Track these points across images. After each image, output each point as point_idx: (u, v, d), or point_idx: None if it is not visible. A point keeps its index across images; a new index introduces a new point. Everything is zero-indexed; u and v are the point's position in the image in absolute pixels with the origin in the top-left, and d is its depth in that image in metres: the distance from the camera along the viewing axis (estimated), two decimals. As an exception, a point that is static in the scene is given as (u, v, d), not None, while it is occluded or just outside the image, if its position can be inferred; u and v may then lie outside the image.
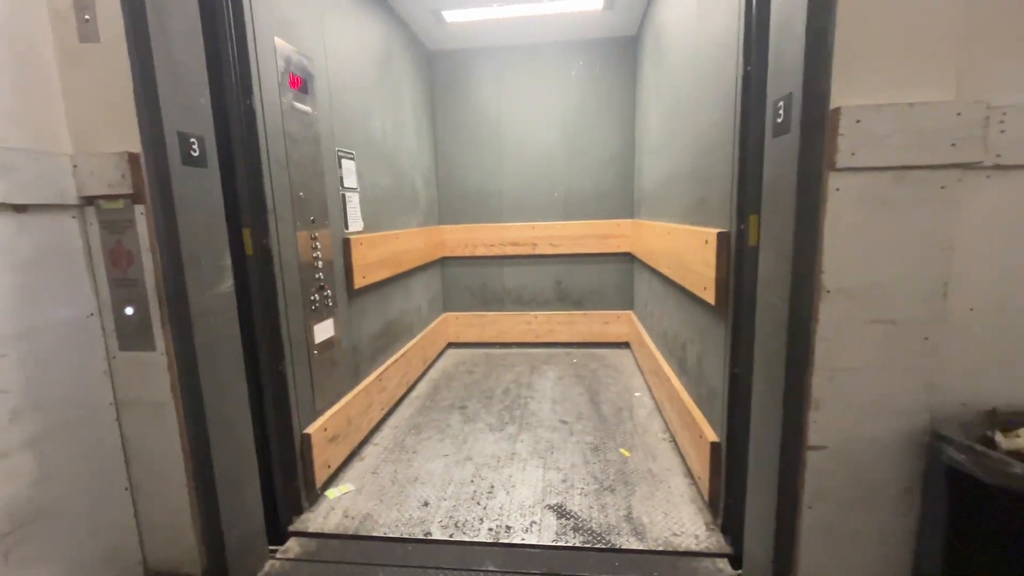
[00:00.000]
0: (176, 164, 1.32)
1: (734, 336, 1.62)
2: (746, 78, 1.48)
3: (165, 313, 1.34)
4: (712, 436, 1.81)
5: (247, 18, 1.66)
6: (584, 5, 3.14)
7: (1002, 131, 1.07)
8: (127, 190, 1.28)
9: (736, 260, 1.60)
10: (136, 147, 1.28)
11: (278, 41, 1.86)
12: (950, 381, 1.16)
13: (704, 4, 1.92)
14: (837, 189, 1.08)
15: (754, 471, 1.41)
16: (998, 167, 1.09)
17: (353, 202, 2.49)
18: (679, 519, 1.86)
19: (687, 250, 2.11)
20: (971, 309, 1.15)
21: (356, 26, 2.60)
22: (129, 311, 1.33)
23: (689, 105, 2.20)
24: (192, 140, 1.38)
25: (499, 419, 2.81)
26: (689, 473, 2.14)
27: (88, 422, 1.33)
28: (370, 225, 2.68)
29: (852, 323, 1.12)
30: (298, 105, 1.99)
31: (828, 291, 1.12)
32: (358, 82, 2.60)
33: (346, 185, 2.42)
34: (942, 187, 1.06)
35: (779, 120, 1.21)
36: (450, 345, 4.27)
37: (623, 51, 3.75)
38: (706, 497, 1.87)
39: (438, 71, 3.94)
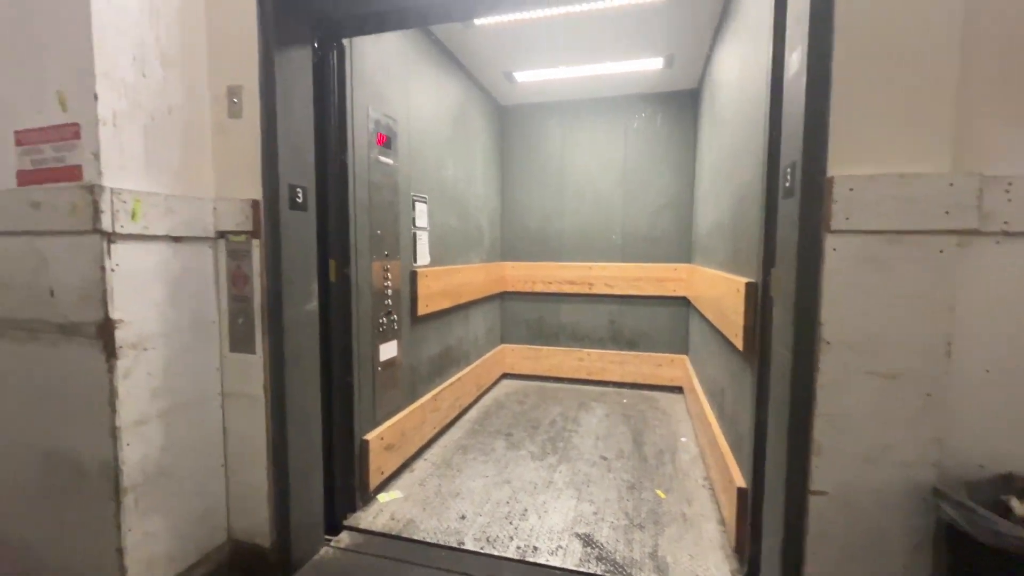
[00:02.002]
0: (285, 209, 1.70)
1: (759, 382, 1.69)
2: (770, 143, 1.61)
3: (265, 324, 1.69)
4: (740, 481, 1.84)
5: (347, 93, 2.07)
6: (646, 65, 3.37)
7: (1009, 199, 1.12)
8: (249, 228, 1.66)
9: (761, 309, 1.68)
10: (258, 195, 1.66)
11: (370, 108, 2.26)
12: (962, 440, 1.17)
13: (744, 68, 2.07)
14: (834, 249, 1.18)
15: (767, 515, 1.46)
16: (1006, 234, 1.13)
17: (423, 239, 2.84)
18: (704, 563, 1.88)
19: (724, 297, 2.18)
20: (987, 371, 1.17)
21: (435, 88, 3.02)
22: (240, 321, 1.70)
23: (731, 160, 2.32)
24: (298, 190, 1.76)
25: (541, 449, 2.94)
26: (722, 520, 2.14)
27: (201, 406, 1.68)
28: (436, 260, 3.01)
29: (851, 374, 1.19)
30: (382, 158, 2.38)
31: (828, 342, 1.20)
32: (434, 136, 3.00)
33: (418, 225, 2.78)
34: (940, 251, 1.13)
35: (787, 184, 1.33)
36: (505, 375, 4.48)
37: (683, 103, 3.92)
38: (733, 544, 1.88)
39: (507, 123, 4.33)
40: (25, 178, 1.45)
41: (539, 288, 4.35)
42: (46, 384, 1.47)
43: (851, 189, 1.15)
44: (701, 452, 2.82)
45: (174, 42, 1.56)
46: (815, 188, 1.20)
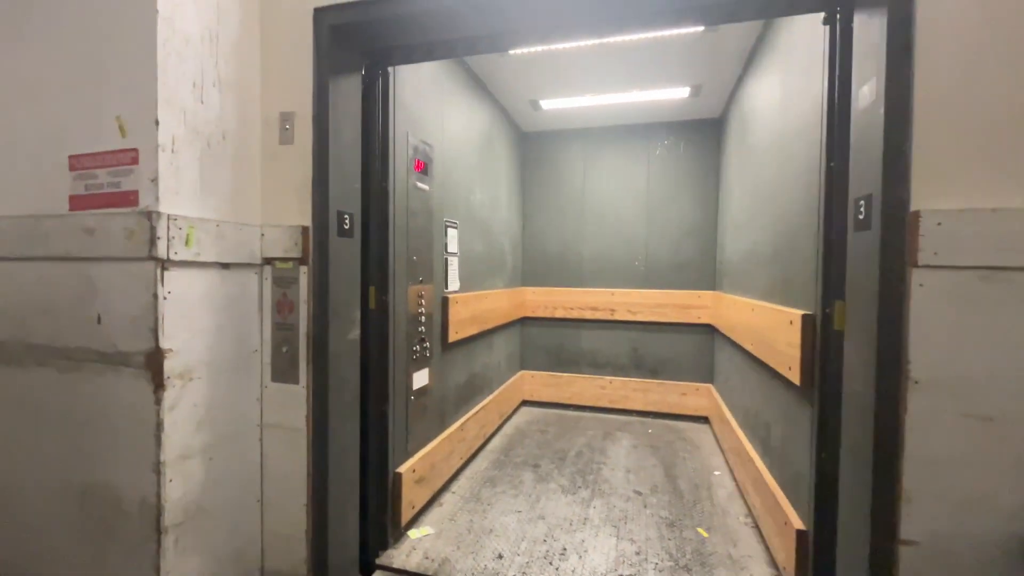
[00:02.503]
0: (334, 235, 1.67)
1: (821, 419, 1.62)
2: (829, 173, 1.58)
3: (310, 353, 1.64)
4: (798, 523, 1.75)
5: (390, 119, 2.07)
6: (672, 94, 3.40)
7: (1106, 236, 1.09)
8: (297, 255, 1.63)
9: (822, 343, 1.63)
10: (307, 221, 1.64)
11: (409, 135, 2.26)
12: (1065, 488, 1.11)
13: (788, 97, 2.07)
14: (920, 285, 1.14)
15: (842, 563, 1.37)
16: (1103, 270, 1.09)
17: (453, 265, 2.81)
18: (760, 610, 1.77)
19: (770, 328, 2.13)
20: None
21: (467, 114, 3.04)
22: (284, 349, 1.65)
23: (770, 188, 2.30)
24: (346, 216, 1.73)
25: (572, 482, 2.84)
26: (772, 562, 2.04)
27: (241, 439, 1.62)
28: (465, 286, 2.98)
29: (943, 415, 1.13)
30: (419, 184, 2.37)
31: (916, 382, 1.14)
32: (464, 162, 3.00)
33: (449, 250, 2.75)
34: (1037, 288, 1.09)
35: (860, 217, 1.30)
36: (524, 403, 4.39)
37: (707, 132, 3.94)
38: (791, 590, 1.78)
39: (529, 149, 4.36)
40: (78, 203, 1.42)
41: (560, 314, 4.30)
42: (87, 416, 1.42)
43: (939, 224, 1.12)
44: (740, 488, 2.72)
45: (231, 68, 1.56)
46: (896, 222, 1.17)
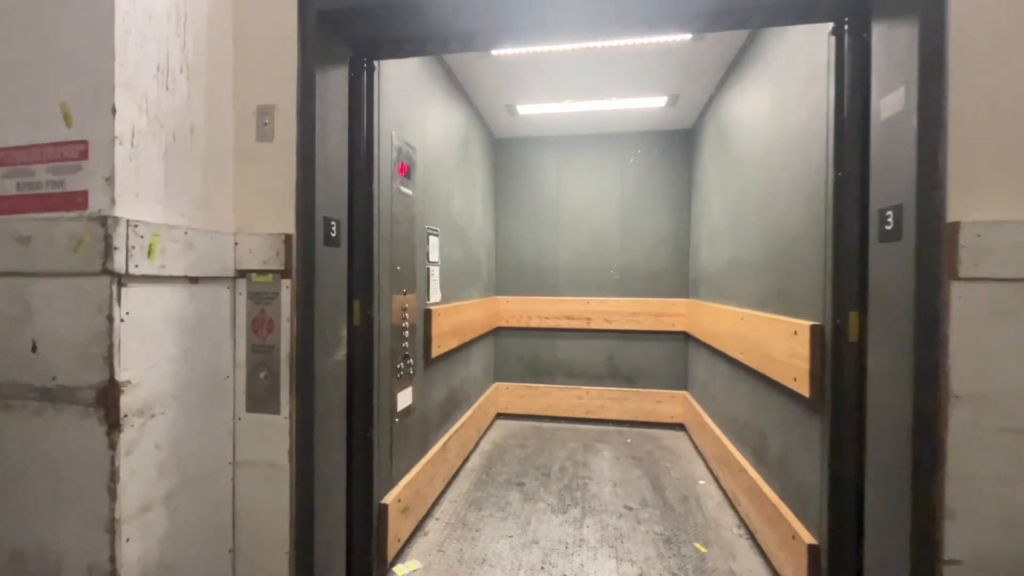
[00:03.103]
0: (320, 244, 1.48)
1: (834, 432, 1.60)
2: (839, 183, 1.57)
3: (294, 378, 1.44)
4: (808, 538, 1.72)
5: (375, 117, 1.90)
6: (649, 103, 3.41)
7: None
8: (278, 266, 1.42)
9: (833, 354, 1.61)
10: (290, 228, 1.44)
11: (394, 135, 2.09)
12: (1095, 498, 1.11)
13: (781, 107, 2.08)
14: (960, 297, 1.12)
15: (872, 582, 1.34)
16: (1122, 282, 1.11)
17: (435, 275, 2.65)
18: (773, 629, 1.73)
19: (766, 338, 2.12)
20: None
21: (447, 116, 2.90)
22: (263, 375, 1.44)
23: (759, 198, 2.31)
24: (333, 223, 1.55)
25: (560, 500, 2.73)
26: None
27: (208, 480, 1.39)
28: (446, 296, 2.82)
29: (985, 431, 1.11)
30: (403, 189, 2.20)
31: (957, 396, 1.12)
32: (444, 166, 2.85)
33: (431, 259, 2.59)
34: (1072, 300, 1.09)
35: (887, 228, 1.28)
36: (499, 416, 4.24)
37: (679, 142, 3.99)
38: (802, 606, 1.75)
39: (502, 155, 4.25)
40: (8, 205, 1.17)
41: (535, 323, 4.20)
42: (20, 466, 1.16)
43: (978, 235, 1.10)
44: (730, 498, 2.71)
45: (200, 53, 1.35)
46: (932, 233, 1.15)
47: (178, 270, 1.25)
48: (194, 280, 1.32)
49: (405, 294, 2.23)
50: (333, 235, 1.55)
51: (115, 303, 1.10)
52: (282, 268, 1.43)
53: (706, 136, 3.50)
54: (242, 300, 1.45)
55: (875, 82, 1.37)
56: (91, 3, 1.11)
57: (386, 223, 2.02)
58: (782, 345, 1.95)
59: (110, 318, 1.10)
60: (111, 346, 1.10)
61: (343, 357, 1.64)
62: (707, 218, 3.43)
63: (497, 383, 4.23)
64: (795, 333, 1.82)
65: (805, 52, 1.86)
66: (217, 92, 1.42)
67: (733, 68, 2.80)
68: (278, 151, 1.45)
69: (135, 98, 1.16)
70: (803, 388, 1.76)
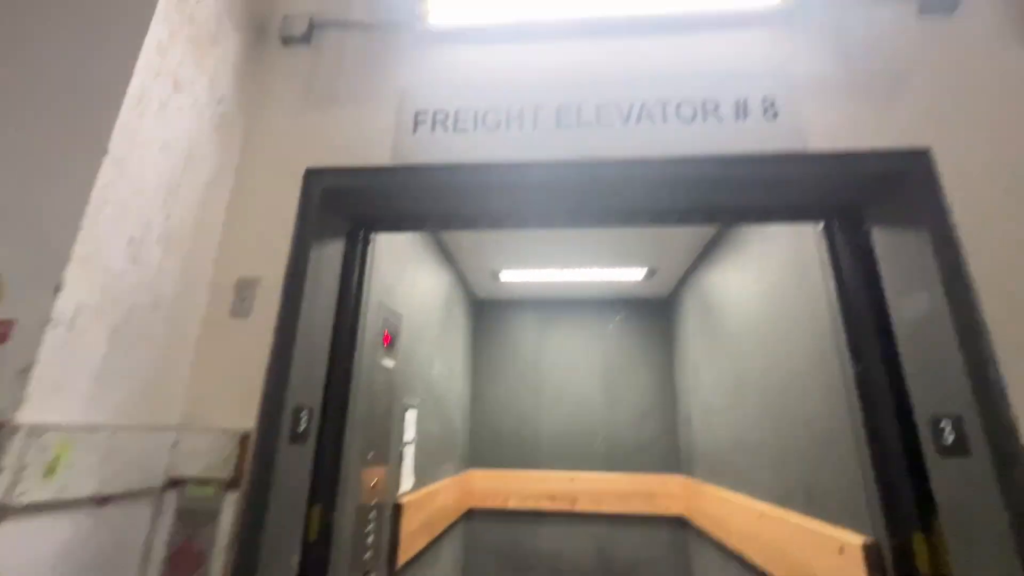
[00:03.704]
0: (284, 442, 1.20)
1: None
2: (862, 379, 1.47)
3: (215, 645, 1.02)
4: None
5: (364, 290, 1.78)
6: (629, 275, 3.53)
7: None
8: (226, 474, 1.12)
9: (901, 585, 1.33)
10: (250, 423, 1.17)
11: (381, 303, 1.96)
12: None
13: (772, 291, 2.10)
14: (1072, 537, 0.93)
15: None
16: None
17: (408, 456, 2.30)
18: None
19: (799, 548, 1.82)
20: None
21: (433, 282, 2.85)
22: (170, 640, 1.02)
23: (762, 379, 2.21)
24: (304, 413, 1.29)
25: None
26: None
27: None
28: (419, 479, 2.42)
29: None
30: (384, 362, 2.00)
31: None
32: (427, 333, 2.70)
33: (405, 439, 2.27)
34: None
35: (946, 442, 1.14)
36: (468, 630, 3.43)
37: (656, 310, 4.07)
38: None
39: (482, 317, 4.20)
40: None
41: (513, 504, 3.68)
42: None
43: (1071, 459, 0.96)
44: None
45: (186, 224, 1.23)
46: (1011, 454, 1.00)
47: (85, 489, 0.93)
48: (103, 501, 0.99)
49: (374, 486, 1.86)
50: (301, 429, 1.28)
51: (-29, 552, 0.76)
52: (230, 477, 1.12)
53: (687, 308, 3.57)
54: (165, 523, 1.10)
55: (887, 283, 1.36)
56: (69, 172, 1.00)
57: (364, 402, 1.76)
58: (823, 562, 1.65)
59: (-45, 576, 0.75)
60: (-61, 625, 0.73)
61: (290, 595, 1.23)
62: (698, 391, 3.30)
63: (467, 583, 3.51)
64: (841, 551, 1.54)
65: (795, 242, 1.92)
66: (196, 262, 1.27)
67: (712, 246, 2.96)
68: (253, 327, 1.26)
69: (90, 273, 0.98)
70: (869, 628, 1.42)
